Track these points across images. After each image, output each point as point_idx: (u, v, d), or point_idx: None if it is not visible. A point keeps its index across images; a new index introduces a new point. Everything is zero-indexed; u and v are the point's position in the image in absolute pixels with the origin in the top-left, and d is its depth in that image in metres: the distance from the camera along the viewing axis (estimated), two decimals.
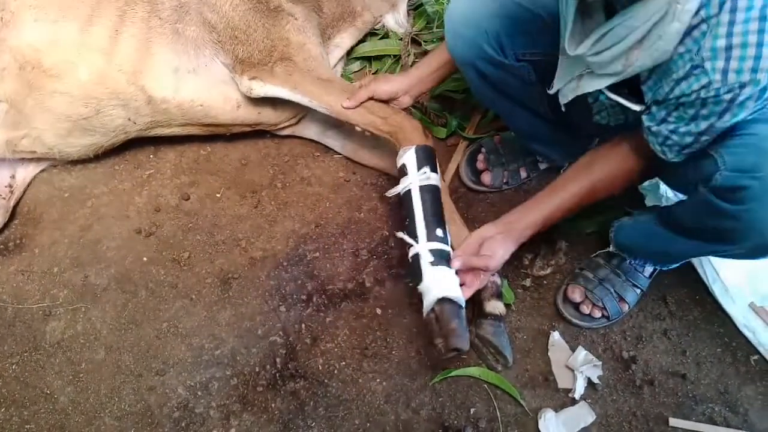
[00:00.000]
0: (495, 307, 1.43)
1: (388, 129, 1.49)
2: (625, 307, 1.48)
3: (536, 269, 1.57)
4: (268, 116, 1.71)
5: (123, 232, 1.65)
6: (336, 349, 1.47)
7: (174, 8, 1.57)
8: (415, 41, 1.99)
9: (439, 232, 1.33)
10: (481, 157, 1.71)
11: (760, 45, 0.86)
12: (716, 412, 1.39)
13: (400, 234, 1.37)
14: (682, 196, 1.27)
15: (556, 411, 1.37)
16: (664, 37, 0.92)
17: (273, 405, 1.39)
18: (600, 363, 1.41)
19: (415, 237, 1.33)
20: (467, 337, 1.24)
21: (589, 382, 1.40)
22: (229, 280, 1.57)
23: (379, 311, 1.52)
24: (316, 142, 1.82)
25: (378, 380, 1.43)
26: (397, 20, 1.98)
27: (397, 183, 1.43)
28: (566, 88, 1.17)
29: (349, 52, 1.96)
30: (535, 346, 1.48)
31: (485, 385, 1.42)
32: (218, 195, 1.73)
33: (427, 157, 1.40)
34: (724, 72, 0.90)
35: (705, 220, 1.11)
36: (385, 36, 1.99)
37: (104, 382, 1.42)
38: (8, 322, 1.51)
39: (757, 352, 1.46)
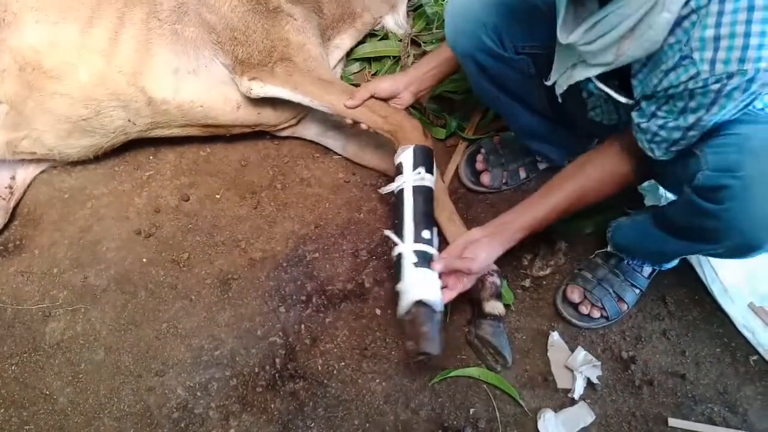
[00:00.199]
0: (494, 307, 1.43)
1: (388, 128, 1.50)
2: (624, 308, 1.49)
3: (535, 270, 1.58)
4: (267, 117, 1.71)
5: (123, 233, 1.66)
6: (335, 350, 1.47)
7: (172, 9, 1.57)
8: (414, 42, 1.99)
9: (425, 234, 1.32)
10: (480, 157, 1.72)
11: (747, 35, 0.85)
12: (715, 412, 1.39)
13: (387, 232, 1.37)
14: None
15: (556, 411, 1.37)
16: (654, 27, 0.92)
17: (272, 405, 1.39)
18: (599, 363, 1.41)
19: (401, 237, 1.33)
20: (438, 341, 1.23)
21: (589, 383, 1.41)
22: (228, 280, 1.57)
23: (378, 312, 1.52)
24: (316, 143, 1.82)
25: (377, 381, 1.43)
26: (396, 21, 1.99)
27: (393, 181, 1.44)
28: (561, 78, 1.18)
29: (348, 54, 1.96)
30: (534, 347, 1.48)
31: (484, 386, 1.42)
32: (218, 196, 1.73)
33: (424, 158, 1.41)
34: (712, 62, 0.89)
35: (691, 220, 1.11)
36: (385, 37, 1.99)
37: (103, 383, 1.43)
38: (8, 323, 1.51)
39: (756, 353, 1.46)
